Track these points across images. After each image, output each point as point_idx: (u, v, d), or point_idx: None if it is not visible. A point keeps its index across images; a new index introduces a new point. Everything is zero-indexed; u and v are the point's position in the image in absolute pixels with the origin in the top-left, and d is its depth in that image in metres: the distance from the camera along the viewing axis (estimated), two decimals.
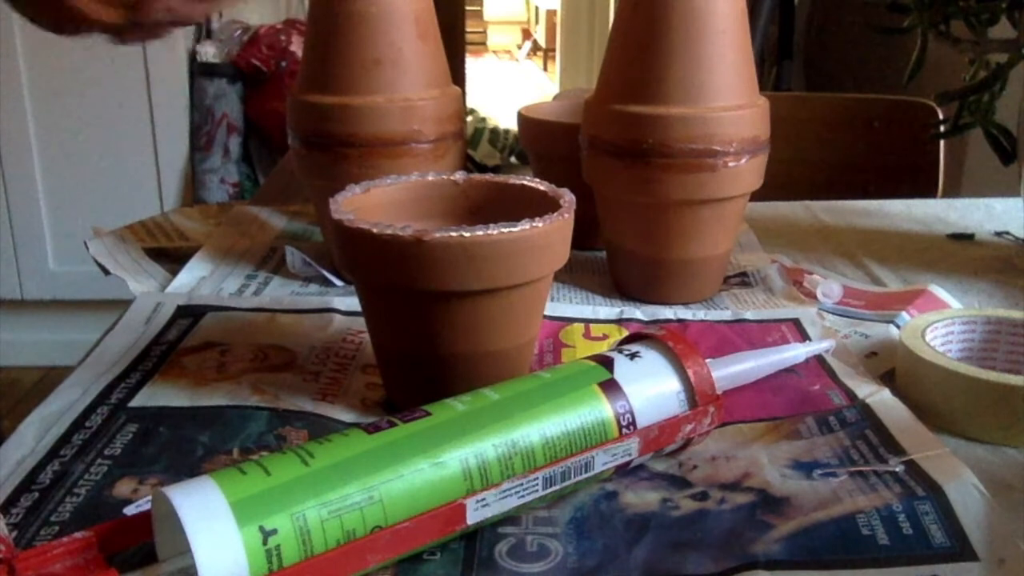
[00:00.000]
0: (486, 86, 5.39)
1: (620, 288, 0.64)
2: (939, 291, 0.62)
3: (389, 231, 0.41)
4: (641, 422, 0.40)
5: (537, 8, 6.37)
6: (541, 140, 0.71)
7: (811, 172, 1.22)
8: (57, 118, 2.17)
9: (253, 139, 2.26)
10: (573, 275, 0.67)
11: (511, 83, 5.84)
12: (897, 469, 0.40)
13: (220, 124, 2.20)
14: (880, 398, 0.47)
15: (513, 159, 2.21)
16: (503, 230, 0.41)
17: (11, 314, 2.21)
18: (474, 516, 0.35)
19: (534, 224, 0.42)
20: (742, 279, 0.66)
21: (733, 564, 0.35)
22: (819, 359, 0.52)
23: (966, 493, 0.38)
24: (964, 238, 0.77)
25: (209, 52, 2.12)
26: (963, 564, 0.35)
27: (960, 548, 0.35)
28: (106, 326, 0.57)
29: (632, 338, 0.45)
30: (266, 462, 0.33)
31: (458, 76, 2.08)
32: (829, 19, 2.12)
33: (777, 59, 2.00)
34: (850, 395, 0.48)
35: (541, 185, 0.49)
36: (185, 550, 0.30)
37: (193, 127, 2.22)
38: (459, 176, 0.51)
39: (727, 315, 0.59)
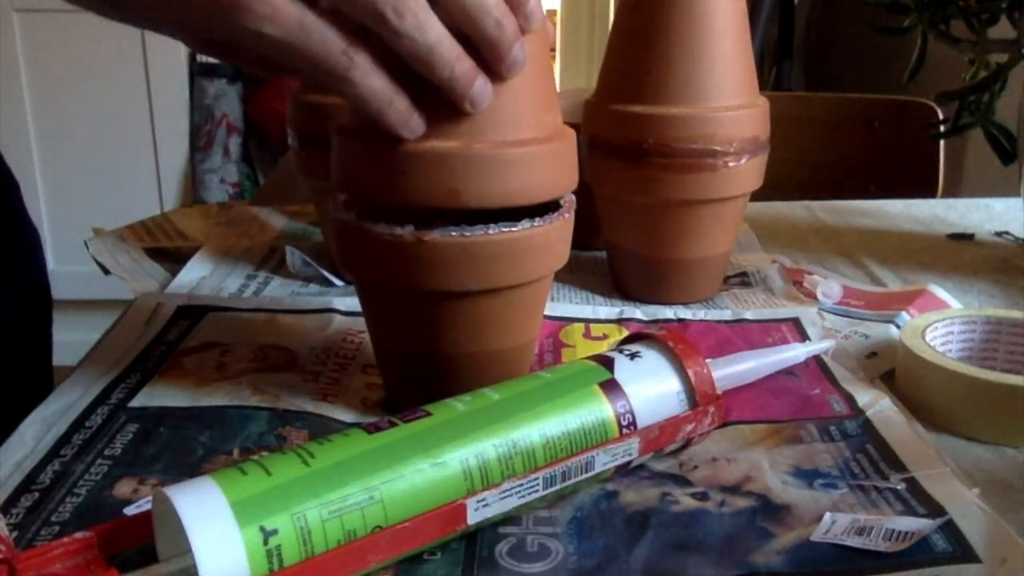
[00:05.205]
0: None
1: (620, 288, 0.64)
2: (939, 291, 0.62)
3: (389, 231, 0.41)
4: (641, 422, 0.40)
5: None
6: None
7: (811, 172, 1.22)
8: (57, 118, 2.17)
9: (253, 139, 2.27)
10: (573, 275, 0.67)
11: None
12: (899, 487, 0.40)
13: (220, 124, 2.21)
14: (880, 410, 0.46)
15: None
16: (503, 230, 0.41)
17: None
18: (474, 516, 0.35)
19: (534, 224, 0.42)
20: (742, 279, 0.66)
21: (734, 572, 0.35)
22: (819, 362, 0.52)
23: (968, 512, 0.38)
24: (964, 238, 0.77)
25: None
26: (965, 566, 0.35)
27: (962, 552, 0.35)
28: (106, 326, 0.57)
29: (632, 338, 0.45)
30: (267, 462, 0.33)
31: None
32: (829, 19, 2.12)
33: (777, 59, 2.00)
34: (850, 401, 0.48)
35: None
36: (185, 550, 0.30)
37: (193, 127, 2.22)
38: None
39: (727, 315, 0.59)
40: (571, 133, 0.45)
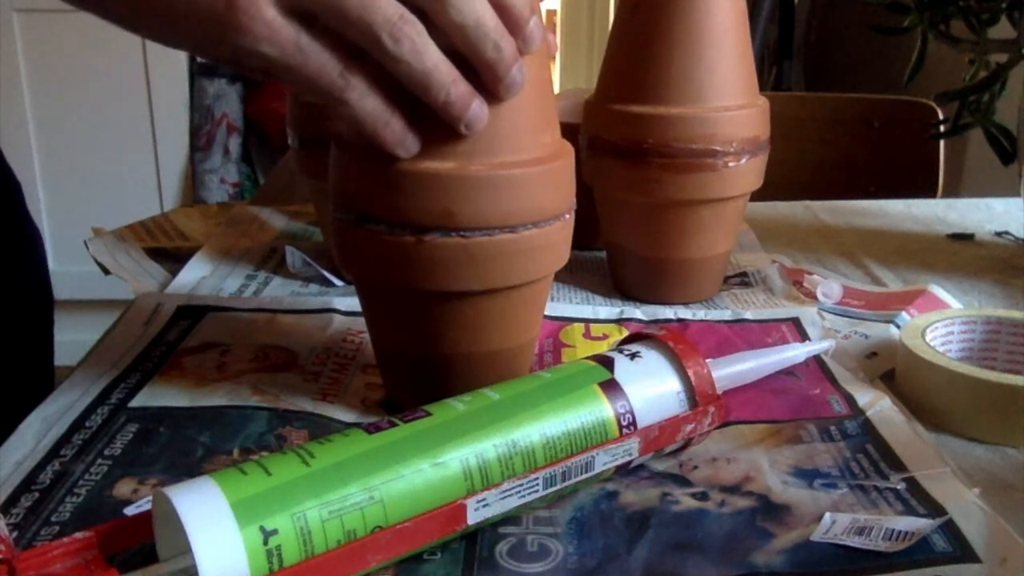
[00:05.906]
0: None
1: (620, 288, 0.64)
2: (939, 291, 0.62)
3: (389, 231, 0.41)
4: (641, 422, 0.40)
5: None
6: None
7: (811, 172, 1.22)
8: (57, 118, 2.17)
9: (253, 139, 2.27)
10: (573, 275, 0.67)
11: None
12: (899, 487, 0.40)
13: (220, 124, 2.20)
14: (880, 410, 0.46)
15: None
16: (503, 230, 0.41)
17: None
18: (475, 516, 0.35)
19: (534, 224, 0.42)
20: (742, 279, 0.66)
21: (734, 572, 0.35)
22: (819, 362, 0.52)
23: (968, 511, 0.38)
24: (964, 238, 0.77)
25: None
26: (965, 566, 0.35)
27: (962, 552, 0.35)
28: (106, 326, 0.57)
29: (632, 338, 0.45)
30: (266, 462, 0.33)
31: None
32: (829, 19, 2.12)
33: (777, 59, 2.00)
34: (850, 401, 0.48)
35: None
36: (186, 550, 0.30)
37: (193, 127, 2.22)
38: None
39: (727, 315, 0.59)
40: (569, 151, 0.44)
